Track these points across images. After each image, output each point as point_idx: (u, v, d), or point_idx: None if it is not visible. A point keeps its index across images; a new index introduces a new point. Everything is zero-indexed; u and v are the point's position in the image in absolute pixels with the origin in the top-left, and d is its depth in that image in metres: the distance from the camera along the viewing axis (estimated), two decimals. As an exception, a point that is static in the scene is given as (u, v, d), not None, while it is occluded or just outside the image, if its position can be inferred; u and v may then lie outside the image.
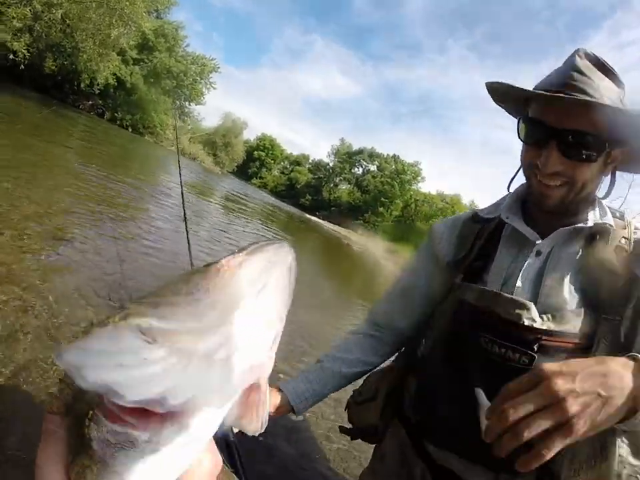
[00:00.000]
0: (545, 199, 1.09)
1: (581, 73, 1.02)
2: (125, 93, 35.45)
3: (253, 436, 0.43)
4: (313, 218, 48.35)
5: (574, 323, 1.03)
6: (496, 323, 1.08)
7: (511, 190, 1.31)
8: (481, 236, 1.27)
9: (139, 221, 6.94)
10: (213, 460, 0.42)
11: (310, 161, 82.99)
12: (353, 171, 72.32)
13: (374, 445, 1.54)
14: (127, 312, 0.33)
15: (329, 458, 2.94)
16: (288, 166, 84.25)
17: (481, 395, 1.07)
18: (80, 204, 6.21)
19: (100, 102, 34.31)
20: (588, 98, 0.98)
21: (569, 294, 1.07)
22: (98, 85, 30.67)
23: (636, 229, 1.14)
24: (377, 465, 1.46)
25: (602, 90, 1.01)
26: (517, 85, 1.08)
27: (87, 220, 5.60)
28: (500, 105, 1.24)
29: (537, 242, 1.13)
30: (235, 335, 0.35)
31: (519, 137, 1.14)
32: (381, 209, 60.42)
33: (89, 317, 3.23)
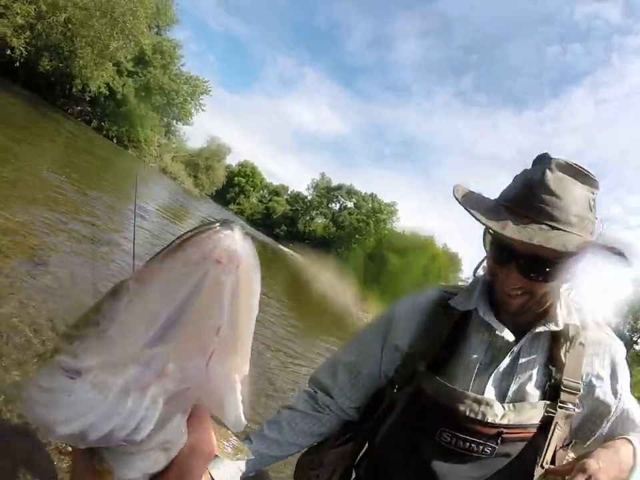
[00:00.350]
0: (507, 305, 1.18)
1: (550, 192, 1.05)
2: (114, 103, 35.44)
3: None
4: (286, 249, 48.40)
5: (532, 415, 1.15)
6: (459, 420, 1.15)
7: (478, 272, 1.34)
8: (446, 325, 1.26)
9: (114, 245, 6.72)
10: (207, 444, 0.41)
11: (289, 192, 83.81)
12: (330, 205, 73.33)
13: None
14: (54, 348, 0.33)
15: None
16: (267, 195, 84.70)
17: None
18: (57, 223, 5.95)
19: (89, 109, 34.24)
20: (552, 233, 1.02)
21: (532, 389, 1.17)
22: (90, 91, 30.73)
23: (592, 327, 1.25)
24: None
25: (570, 207, 1.06)
26: (482, 220, 1.09)
27: (63, 239, 5.49)
28: (466, 209, 1.14)
29: (510, 339, 1.17)
30: (151, 363, 0.32)
31: (484, 247, 1.24)
32: (354, 246, 60.71)
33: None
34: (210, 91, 45.44)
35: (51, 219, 5.88)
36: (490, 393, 1.17)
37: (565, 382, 1.16)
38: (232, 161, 79.75)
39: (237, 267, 0.34)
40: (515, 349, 1.18)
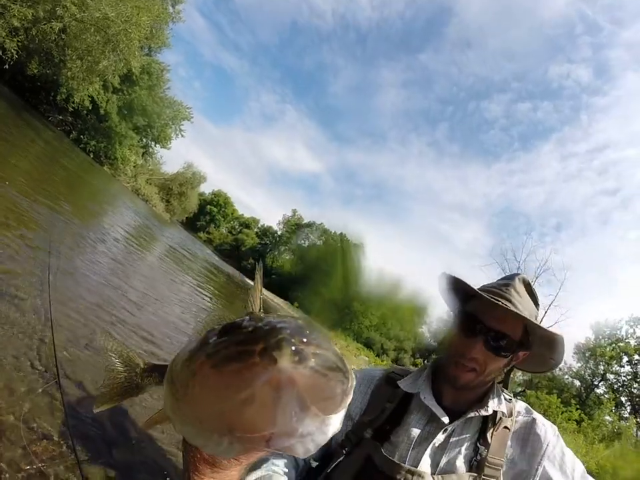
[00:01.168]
0: (457, 379, 1.44)
1: (516, 291, 1.45)
2: (96, 117, 35.52)
3: None
4: (252, 283, 47.93)
5: None
6: None
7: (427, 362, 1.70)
8: (392, 400, 1.54)
9: (78, 274, 6.33)
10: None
11: (259, 225, 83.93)
12: (299, 242, 73.05)
13: None
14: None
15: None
16: (237, 226, 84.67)
17: None
18: (19, 244, 5.55)
19: (70, 119, 34.09)
20: (518, 311, 1.37)
21: (461, 463, 1.38)
22: (73, 102, 30.77)
23: (518, 413, 1.49)
24: None
25: (526, 306, 1.44)
26: (471, 285, 1.46)
27: (27, 266, 5.08)
28: (445, 294, 1.57)
29: (445, 421, 1.41)
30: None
31: (453, 327, 1.54)
32: (319, 288, 60.58)
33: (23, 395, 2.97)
34: (192, 117, 45.93)
35: (17, 245, 5.55)
36: (425, 462, 1.37)
37: (489, 459, 1.36)
38: (205, 188, 79.76)
39: (294, 386, 0.38)
40: (449, 428, 1.41)
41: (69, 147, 29.55)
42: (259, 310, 0.64)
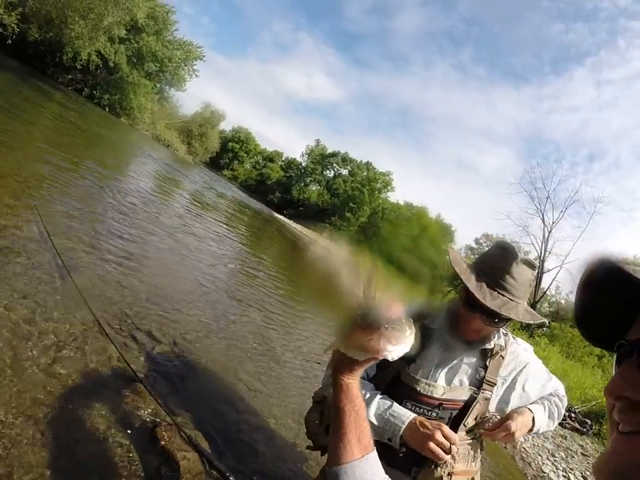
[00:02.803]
0: (464, 333, 1.79)
1: (514, 278, 1.67)
2: (106, 71, 34.67)
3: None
4: (280, 217, 47.95)
5: (461, 394, 1.82)
6: (416, 395, 1.81)
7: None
8: (420, 333, 1.81)
9: (111, 228, 6.44)
10: None
11: (283, 158, 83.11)
12: (324, 173, 72.66)
13: None
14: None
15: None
16: (261, 161, 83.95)
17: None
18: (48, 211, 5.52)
19: (79, 77, 33.44)
20: (511, 304, 1.64)
21: (466, 380, 1.83)
22: (81, 60, 29.85)
23: (511, 342, 1.92)
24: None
25: (522, 287, 1.69)
26: (472, 282, 1.67)
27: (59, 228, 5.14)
28: (465, 282, 1.71)
29: (459, 350, 1.82)
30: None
31: (460, 296, 1.81)
32: (348, 214, 60.52)
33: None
34: (204, 56, 44.55)
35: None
36: (441, 379, 1.82)
37: (486, 378, 1.83)
38: (225, 126, 78.79)
39: None
40: (462, 356, 1.84)
41: (83, 105, 29.01)
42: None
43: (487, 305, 1.60)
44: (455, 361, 1.85)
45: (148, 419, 2.84)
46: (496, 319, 1.69)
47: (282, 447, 3.47)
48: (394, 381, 1.87)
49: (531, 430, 1.84)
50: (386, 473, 1.43)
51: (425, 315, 1.94)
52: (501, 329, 1.85)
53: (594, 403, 10.49)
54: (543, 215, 32.01)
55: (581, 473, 7.23)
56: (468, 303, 1.72)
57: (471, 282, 1.67)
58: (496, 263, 1.72)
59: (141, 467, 2.44)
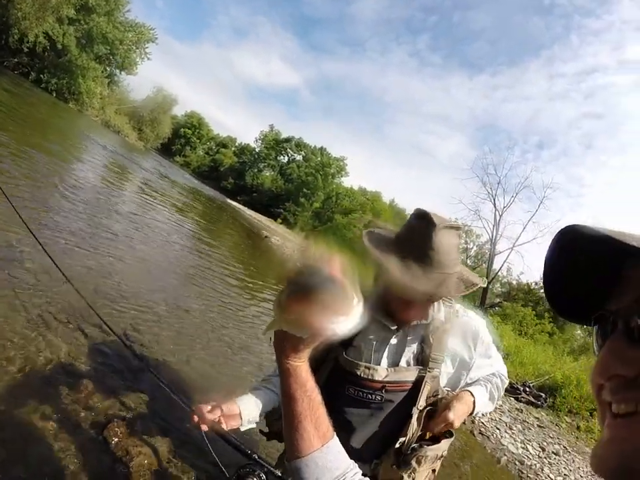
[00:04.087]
0: (397, 313, 1.73)
1: (433, 248, 1.51)
2: (54, 54, 33.02)
3: None
4: (234, 203, 47.41)
5: (407, 375, 1.74)
6: (358, 379, 1.75)
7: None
8: None
9: (57, 218, 6.30)
10: None
11: (236, 144, 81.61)
12: (278, 158, 71.97)
13: None
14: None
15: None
16: (214, 147, 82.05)
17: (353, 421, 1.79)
18: None
19: (26, 60, 31.79)
20: (432, 276, 1.51)
21: (409, 359, 1.76)
22: (28, 42, 28.39)
23: (457, 312, 1.84)
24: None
25: (445, 256, 1.53)
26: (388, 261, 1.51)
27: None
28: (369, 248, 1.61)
29: (393, 328, 1.75)
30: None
31: (386, 278, 1.64)
32: (302, 200, 60.45)
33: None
34: (156, 38, 43.12)
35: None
36: (384, 361, 1.75)
37: (432, 355, 1.74)
38: (178, 111, 76.82)
39: None
40: (399, 333, 1.77)
41: (30, 90, 27.48)
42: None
43: (416, 287, 1.48)
44: (395, 341, 1.79)
45: (100, 416, 2.81)
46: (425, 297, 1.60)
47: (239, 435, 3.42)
48: (334, 369, 1.83)
49: (471, 414, 1.81)
50: None
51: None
52: (441, 301, 1.79)
53: (547, 377, 11.18)
54: (494, 200, 33.31)
55: (539, 444, 7.63)
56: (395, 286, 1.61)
57: (392, 265, 1.52)
58: (414, 236, 1.58)
59: (94, 466, 2.39)
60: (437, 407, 1.77)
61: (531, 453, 7.17)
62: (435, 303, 1.76)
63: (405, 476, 1.70)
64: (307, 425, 0.94)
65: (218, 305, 6.45)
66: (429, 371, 1.75)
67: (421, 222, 1.57)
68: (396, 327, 1.75)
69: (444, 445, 1.80)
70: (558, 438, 8.72)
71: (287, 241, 27.85)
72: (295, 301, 0.80)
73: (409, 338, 1.77)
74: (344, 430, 1.66)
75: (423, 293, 1.50)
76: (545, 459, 7.23)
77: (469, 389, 1.84)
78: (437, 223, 1.52)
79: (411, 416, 1.73)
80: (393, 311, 1.73)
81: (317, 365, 1.81)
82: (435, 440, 1.77)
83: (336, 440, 0.99)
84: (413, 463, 1.70)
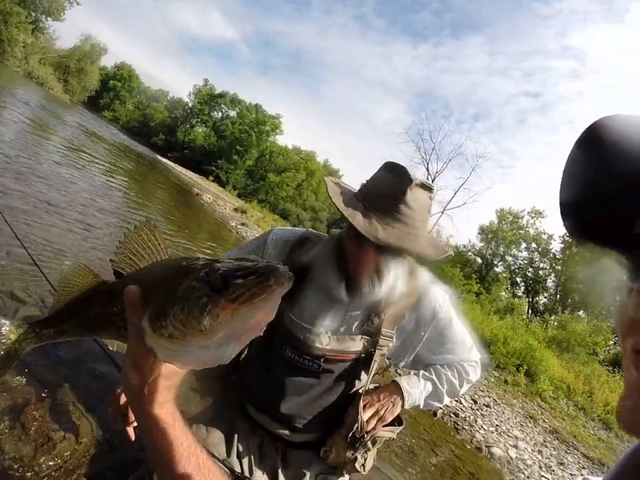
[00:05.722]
0: (356, 276, 1.57)
1: (407, 206, 1.42)
2: (-27, -2, 31.18)
3: None
4: (164, 160, 45.83)
5: (350, 345, 1.62)
6: (296, 342, 1.62)
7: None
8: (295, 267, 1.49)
9: None
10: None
11: (169, 98, 78.64)
12: (212, 114, 70.19)
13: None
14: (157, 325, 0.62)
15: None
16: (144, 101, 77.94)
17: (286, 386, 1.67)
18: None
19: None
20: (404, 234, 1.42)
21: (355, 328, 1.63)
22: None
23: (418, 285, 1.68)
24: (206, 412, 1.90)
25: (418, 215, 1.44)
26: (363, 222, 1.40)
27: None
28: (335, 199, 1.49)
29: (343, 296, 1.58)
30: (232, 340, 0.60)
31: (347, 233, 1.57)
32: (235, 157, 59.96)
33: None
34: (86, -18, 41.04)
35: None
36: (326, 327, 1.60)
37: (383, 332, 1.61)
38: (107, 62, 73.12)
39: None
40: (347, 299, 1.59)
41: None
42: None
43: (380, 238, 1.37)
44: (341, 307, 1.61)
45: (16, 400, 2.39)
46: (392, 254, 1.47)
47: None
48: (272, 325, 1.64)
49: (402, 405, 1.68)
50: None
51: (298, 245, 1.74)
52: (406, 269, 1.59)
53: (475, 334, 12.52)
54: (427, 165, 35.32)
55: (470, 397, 8.07)
56: (357, 240, 1.46)
57: (357, 218, 1.40)
58: (385, 189, 1.46)
59: (13, 461, 2.06)
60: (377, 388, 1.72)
61: (464, 406, 7.50)
62: (397, 270, 1.55)
63: (359, 456, 1.64)
64: None
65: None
66: (378, 349, 1.63)
67: (396, 176, 1.46)
68: (346, 289, 1.58)
69: (396, 430, 1.73)
70: (488, 391, 9.39)
71: (218, 199, 27.37)
72: (228, 308, 0.56)
73: (360, 304, 1.61)
74: (275, 392, 1.67)
75: (385, 243, 1.37)
76: (477, 411, 7.62)
77: (401, 379, 1.72)
78: (414, 179, 1.43)
79: (356, 395, 1.66)
80: (349, 271, 1.57)
81: None
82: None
83: None
84: (369, 444, 1.64)
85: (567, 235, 0.54)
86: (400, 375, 1.80)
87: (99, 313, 0.86)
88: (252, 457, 1.73)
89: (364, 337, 1.62)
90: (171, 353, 0.61)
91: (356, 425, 1.60)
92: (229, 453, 1.69)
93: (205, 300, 0.58)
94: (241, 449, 1.73)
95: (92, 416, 2.57)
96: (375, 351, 1.62)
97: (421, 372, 1.76)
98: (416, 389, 1.69)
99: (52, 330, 1.04)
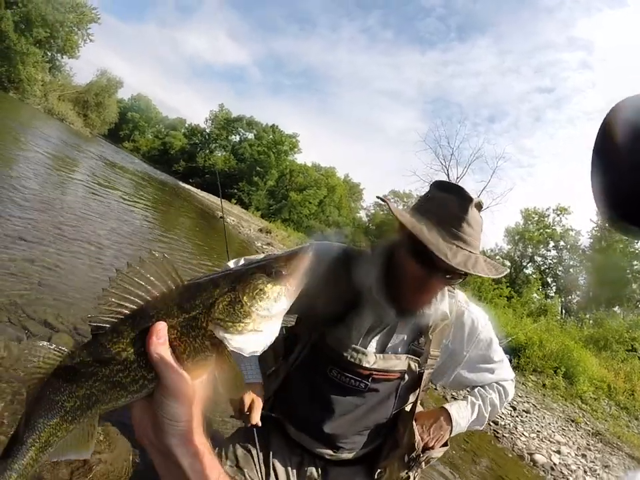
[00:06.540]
0: (408, 303, 1.54)
1: (469, 226, 1.39)
2: (-9, 40, 31.90)
3: None
4: (187, 186, 46.58)
5: (396, 364, 1.61)
6: (343, 362, 1.60)
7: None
8: (348, 290, 1.61)
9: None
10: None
11: (186, 125, 79.67)
12: (230, 138, 70.99)
13: None
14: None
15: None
16: (163, 130, 79.92)
17: (334, 405, 1.65)
18: None
19: (-39, 49, 30.54)
20: (472, 257, 1.37)
21: (401, 348, 1.64)
22: (-38, 29, 27.29)
23: (466, 305, 1.72)
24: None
25: (477, 235, 1.42)
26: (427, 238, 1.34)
27: None
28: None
29: (393, 316, 1.57)
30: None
31: (405, 253, 1.48)
32: (255, 178, 60.07)
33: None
34: (99, 18, 41.54)
35: None
36: (372, 346, 1.61)
37: (431, 352, 1.64)
38: (124, 95, 74.78)
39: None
40: (396, 319, 1.60)
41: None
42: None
43: (451, 263, 1.30)
44: (389, 326, 1.62)
45: None
46: (452, 277, 1.42)
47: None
48: (316, 345, 1.67)
49: (451, 431, 1.74)
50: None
51: (348, 261, 1.64)
52: (446, 292, 1.63)
53: (510, 339, 11.86)
54: (447, 171, 34.82)
55: (509, 404, 7.75)
56: (422, 262, 1.39)
57: (424, 235, 1.33)
58: (448, 208, 1.41)
59: None
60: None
61: (503, 413, 7.39)
62: (443, 290, 1.58)
63: (411, 475, 1.69)
64: None
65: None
66: (427, 368, 1.66)
67: (453, 194, 1.43)
68: (396, 313, 1.55)
69: (444, 450, 1.78)
70: (526, 397, 9.15)
71: (242, 221, 27.59)
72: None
73: (407, 327, 1.63)
74: (319, 412, 1.66)
75: (456, 268, 1.31)
76: (517, 418, 7.53)
77: (451, 408, 1.77)
78: (472, 197, 1.41)
79: (402, 413, 1.73)
80: (399, 293, 1.51)
81: (294, 341, 1.76)
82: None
83: None
84: (423, 465, 1.70)
85: (605, 221, 0.50)
86: (444, 396, 1.78)
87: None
88: (291, 476, 1.73)
89: (409, 356, 1.64)
90: (251, 345, 0.63)
91: (414, 446, 1.64)
92: (267, 474, 1.69)
93: (271, 284, 0.65)
94: (278, 469, 1.72)
95: (127, 436, 2.59)
96: (425, 371, 1.65)
97: (469, 398, 1.83)
98: (464, 420, 1.76)
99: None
